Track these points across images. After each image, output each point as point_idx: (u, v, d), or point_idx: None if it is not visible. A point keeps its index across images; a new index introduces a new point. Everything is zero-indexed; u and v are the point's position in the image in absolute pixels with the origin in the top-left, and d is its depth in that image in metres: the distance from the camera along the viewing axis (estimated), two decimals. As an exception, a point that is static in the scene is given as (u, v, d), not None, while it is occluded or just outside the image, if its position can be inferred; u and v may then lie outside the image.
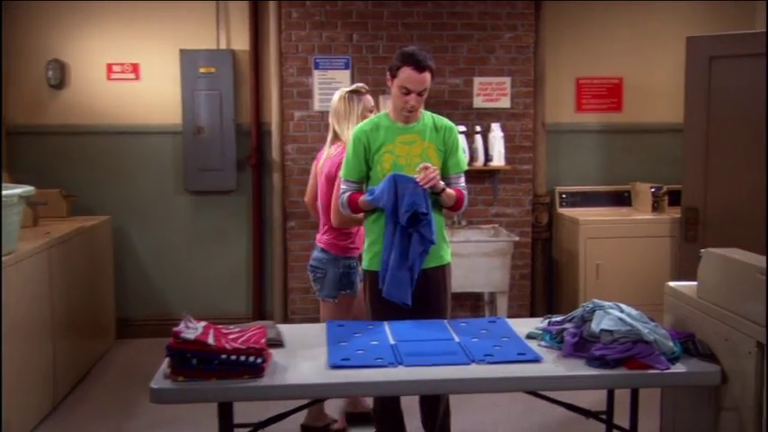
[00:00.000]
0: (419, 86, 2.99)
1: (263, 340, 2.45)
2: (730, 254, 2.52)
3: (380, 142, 3.07)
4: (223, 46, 5.34)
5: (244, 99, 5.36)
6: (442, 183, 3.02)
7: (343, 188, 3.15)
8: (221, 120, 5.28)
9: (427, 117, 3.15)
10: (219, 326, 2.56)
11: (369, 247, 3.15)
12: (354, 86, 3.60)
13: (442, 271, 3.16)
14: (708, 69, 4.53)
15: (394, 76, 3.01)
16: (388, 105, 3.58)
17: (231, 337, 2.45)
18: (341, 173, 3.19)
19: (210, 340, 2.31)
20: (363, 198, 3.06)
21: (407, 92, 2.99)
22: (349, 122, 3.50)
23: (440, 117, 3.18)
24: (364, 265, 3.18)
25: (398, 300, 2.98)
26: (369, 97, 3.60)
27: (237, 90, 5.34)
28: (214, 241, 5.48)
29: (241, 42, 5.34)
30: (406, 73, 2.96)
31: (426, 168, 2.94)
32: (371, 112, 3.51)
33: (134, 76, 5.34)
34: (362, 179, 3.13)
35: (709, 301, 2.56)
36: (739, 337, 2.36)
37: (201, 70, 5.24)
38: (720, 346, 2.47)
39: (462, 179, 3.19)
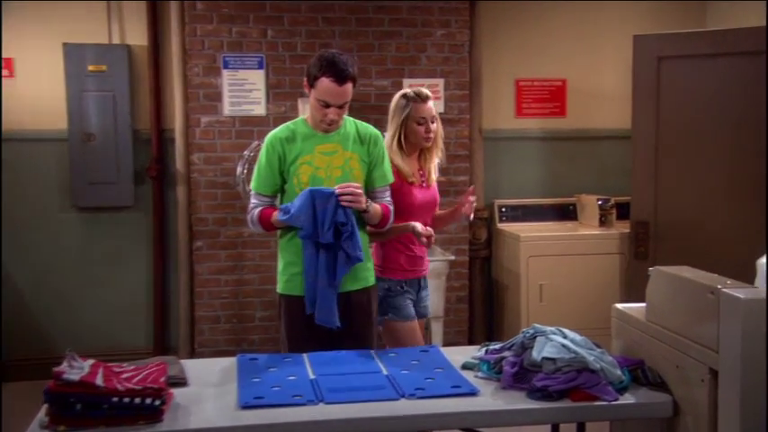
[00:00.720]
0: (339, 100, 2.99)
1: (162, 379, 2.41)
2: (680, 272, 2.59)
3: (297, 152, 3.07)
4: (116, 41, 5.25)
5: (142, 102, 5.28)
6: (365, 202, 3.02)
7: (253, 203, 3.13)
8: (115, 125, 5.18)
9: (350, 124, 3.15)
10: (111, 364, 2.51)
11: (284, 268, 3.14)
12: (409, 90, 3.42)
13: (366, 294, 3.17)
14: (656, 70, 4.70)
15: (311, 86, 3.00)
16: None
17: (125, 376, 2.40)
18: (251, 185, 3.17)
19: (99, 381, 2.26)
20: (276, 216, 3.04)
21: (327, 105, 2.99)
22: (390, 128, 3.39)
23: (363, 124, 3.20)
24: (279, 288, 3.17)
25: (330, 324, 3.00)
26: (423, 106, 3.35)
27: (134, 91, 5.25)
28: (107, 265, 5.35)
29: (138, 37, 5.26)
30: (325, 84, 2.95)
31: (347, 187, 2.95)
32: (420, 124, 3.34)
33: (7, 73, 5.17)
34: (276, 193, 3.12)
35: (658, 324, 2.63)
36: (691, 363, 2.43)
37: (90, 68, 5.13)
38: (671, 374, 2.54)
39: (389, 193, 3.22)
